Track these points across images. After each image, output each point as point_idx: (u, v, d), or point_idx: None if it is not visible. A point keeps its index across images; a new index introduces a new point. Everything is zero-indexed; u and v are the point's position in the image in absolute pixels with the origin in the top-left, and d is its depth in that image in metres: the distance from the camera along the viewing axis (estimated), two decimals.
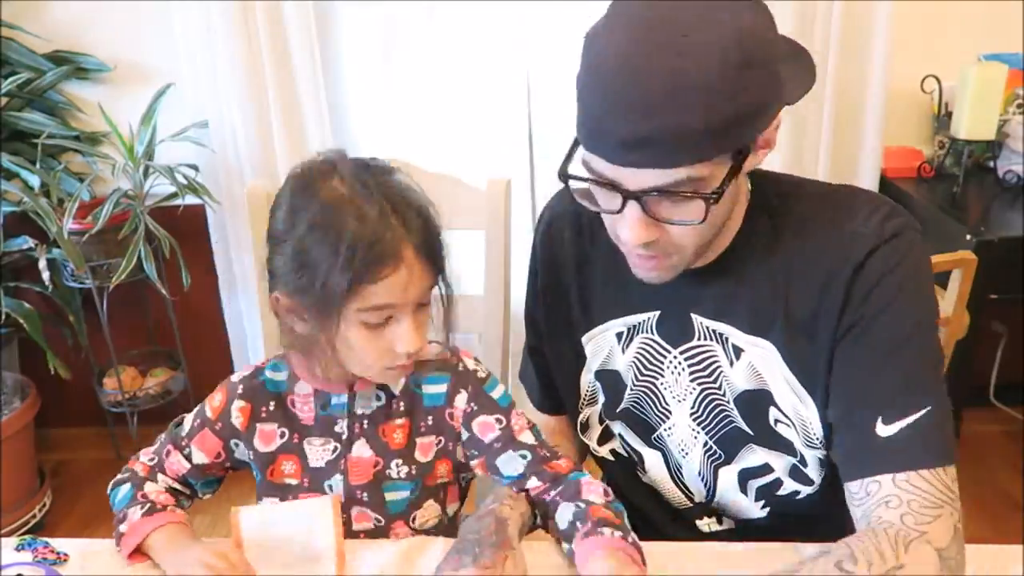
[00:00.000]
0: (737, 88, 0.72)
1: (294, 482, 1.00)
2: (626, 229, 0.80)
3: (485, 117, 2.18)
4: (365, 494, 0.99)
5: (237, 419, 0.99)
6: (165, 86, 2.10)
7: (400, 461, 0.98)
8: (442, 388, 0.98)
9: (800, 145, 2.14)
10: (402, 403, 0.98)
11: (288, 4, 1.98)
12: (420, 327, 0.89)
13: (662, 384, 0.97)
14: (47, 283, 1.98)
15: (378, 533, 1.00)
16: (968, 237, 1.79)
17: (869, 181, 2.17)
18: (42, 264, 1.95)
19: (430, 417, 0.99)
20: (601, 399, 1.03)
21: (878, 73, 2.07)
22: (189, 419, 1.02)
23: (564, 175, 0.82)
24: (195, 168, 2.15)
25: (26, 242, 2.04)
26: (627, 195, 0.77)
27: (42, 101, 2.13)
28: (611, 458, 1.06)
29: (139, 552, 0.94)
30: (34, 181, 1.99)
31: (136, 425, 2.28)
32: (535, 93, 2.17)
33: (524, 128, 2.19)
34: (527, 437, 0.98)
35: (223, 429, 0.99)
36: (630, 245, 0.82)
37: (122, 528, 0.96)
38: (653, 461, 1.02)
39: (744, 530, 1.00)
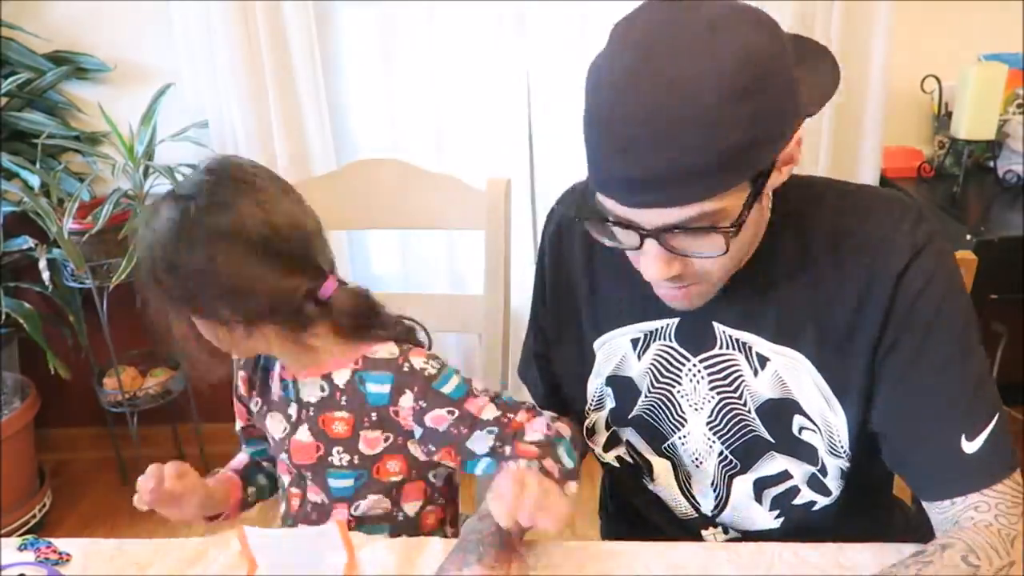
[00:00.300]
0: (742, 116, 0.68)
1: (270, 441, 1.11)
2: (647, 267, 0.78)
3: (485, 117, 2.18)
4: (309, 474, 1.05)
5: (240, 388, 1.13)
6: (165, 86, 2.10)
7: (341, 449, 1.01)
8: (385, 388, 0.99)
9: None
10: (344, 397, 1.00)
11: (288, 4, 1.98)
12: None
13: (679, 392, 0.95)
14: (47, 283, 1.98)
15: (323, 509, 1.06)
16: (968, 237, 1.79)
17: (869, 181, 2.17)
18: (42, 264, 1.95)
19: (374, 414, 1.00)
20: (609, 405, 1.01)
21: (878, 73, 2.07)
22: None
23: (580, 216, 0.81)
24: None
25: (26, 242, 2.04)
26: (644, 234, 0.75)
27: (42, 101, 2.12)
28: (616, 464, 1.05)
29: None
30: (34, 181, 1.99)
31: (136, 425, 2.28)
32: (535, 93, 2.17)
33: (524, 128, 2.19)
34: (489, 413, 0.99)
35: (241, 397, 1.13)
36: (653, 281, 0.80)
37: None
38: (661, 470, 1.01)
39: (751, 541, 0.99)
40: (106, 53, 2.15)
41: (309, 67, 2.04)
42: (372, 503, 1.04)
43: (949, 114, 2.14)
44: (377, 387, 0.99)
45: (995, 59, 2.08)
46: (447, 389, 0.99)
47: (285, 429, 1.05)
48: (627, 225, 0.76)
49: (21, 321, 2.01)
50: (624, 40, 0.71)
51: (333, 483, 1.03)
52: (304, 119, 2.08)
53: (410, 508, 1.06)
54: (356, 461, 1.02)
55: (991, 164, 2.12)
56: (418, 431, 1.00)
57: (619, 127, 0.70)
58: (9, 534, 2.02)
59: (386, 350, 0.99)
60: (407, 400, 0.98)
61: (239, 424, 1.17)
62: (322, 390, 1.01)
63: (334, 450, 1.01)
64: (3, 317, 2.00)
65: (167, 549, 0.98)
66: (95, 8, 2.12)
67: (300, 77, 2.04)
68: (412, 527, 1.05)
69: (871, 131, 2.13)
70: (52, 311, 2.23)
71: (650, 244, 0.76)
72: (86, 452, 2.53)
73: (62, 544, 0.98)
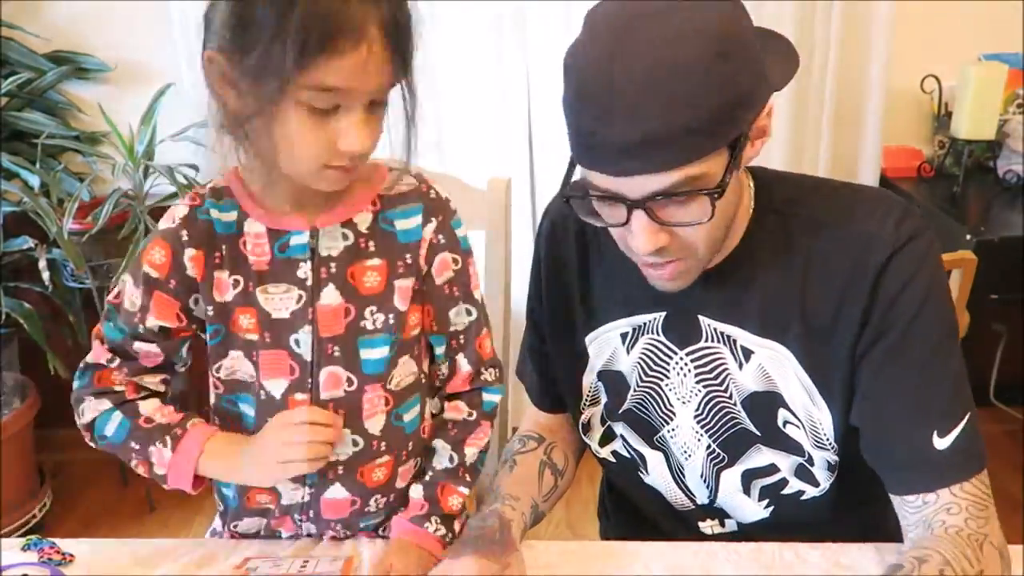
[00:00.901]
0: (720, 79, 0.71)
1: (253, 337, 0.88)
2: (636, 239, 0.79)
3: (485, 117, 2.18)
4: (337, 349, 0.88)
5: (192, 270, 0.87)
6: (165, 86, 2.10)
7: (375, 308, 0.88)
8: (416, 221, 0.89)
9: (800, 145, 2.14)
10: (372, 242, 0.88)
11: None
12: (370, 127, 0.81)
13: (667, 385, 0.96)
14: (47, 283, 1.97)
15: (351, 400, 0.89)
16: (968, 237, 1.79)
17: (869, 181, 2.18)
18: (42, 264, 1.95)
19: (408, 255, 0.89)
20: (603, 400, 1.02)
21: (878, 73, 2.07)
22: (128, 297, 0.89)
23: (566, 195, 0.82)
24: (195, 168, 2.15)
25: (26, 242, 2.04)
26: (631, 204, 0.77)
27: (42, 101, 2.13)
28: (612, 459, 1.06)
29: (197, 478, 0.91)
30: (34, 181, 1.99)
31: None
32: (535, 93, 2.17)
33: (524, 128, 2.19)
34: (479, 295, 0.95)
35: (178, 286, 0.87)
36: (642, 254, 0.81)
37: (158, 471, 0.91)
38: (655, 462, 1.02)
39: (747, 533, 1.00)
40: (106, 53, 2.15)
41: None
42: (404, 369, 0.90)
43: (949, 114, 2.15)
44: (407, 222, 0.89)
45: (995, 59, 2.09)
46: (460, 233, 0.92)
47: (300, 298, 0.86)
48: (613, 197, 0.78)
49: (21, 321, 2.01)
50: (601, 20, 0.75)
51: (365, 355, 0.88)
52: None
53: (424, 366, 0.96)
54: (391, 321, 0.88)
55: (991, 164, 2.13)
56: (424, 269, 0.90)
57: (605, 98, 0.72)
58: (9, 534, 2.02)
59: (406, 182, 0.90)
60: (430, 230, 0.89)
61: (166, 325, 0.89)
62: (345, 238, 0.87)
63: (367, 311, 0.87)
64: (3, 317, 2.00)
65: (172, 550, 0.98)
66: (95, 8, 2.12)
67: None
68: (429, 388, 0.97)
69: (871, 131, 2.13)
70: (52, 311, 2.23)
71: (637, 216, 0.78)
72: (86, 452, 2.49)
73: (65, 544, 0.98)
